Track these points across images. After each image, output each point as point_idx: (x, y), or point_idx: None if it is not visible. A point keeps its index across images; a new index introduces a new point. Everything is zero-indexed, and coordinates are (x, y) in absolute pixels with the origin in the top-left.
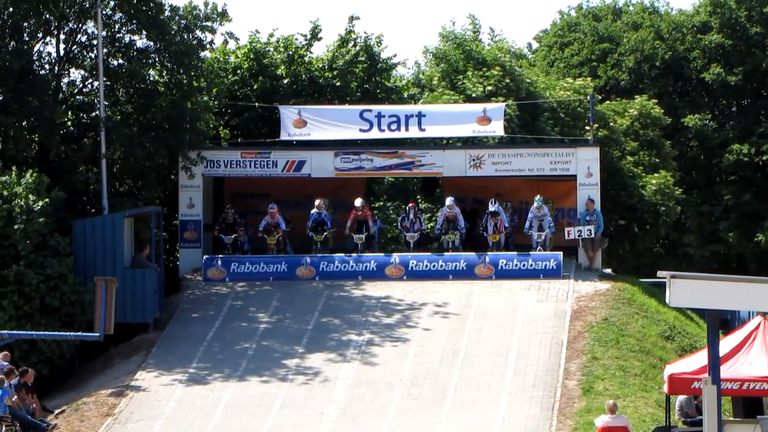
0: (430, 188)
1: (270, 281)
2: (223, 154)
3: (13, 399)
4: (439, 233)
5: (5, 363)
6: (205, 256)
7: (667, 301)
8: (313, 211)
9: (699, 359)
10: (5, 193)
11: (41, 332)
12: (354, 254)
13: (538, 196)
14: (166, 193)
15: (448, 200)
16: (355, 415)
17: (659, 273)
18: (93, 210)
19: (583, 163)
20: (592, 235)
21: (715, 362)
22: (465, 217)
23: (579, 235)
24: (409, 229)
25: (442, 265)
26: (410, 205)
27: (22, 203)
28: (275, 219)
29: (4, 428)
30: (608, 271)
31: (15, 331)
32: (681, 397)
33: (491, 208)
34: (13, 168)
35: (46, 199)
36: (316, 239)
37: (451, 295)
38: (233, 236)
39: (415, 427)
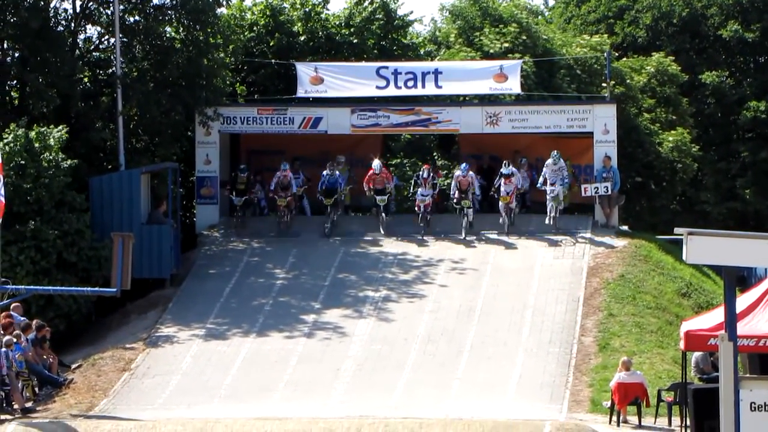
0: (446, 145)
1: (287, 237)
2: (239, 111)
3: (29, 354)
4: (453, 202)
5: (22, 318)
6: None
7: (683, 257)
8: (325, 172)
9: (715, 316)
10: (38, 145)
11: (58, 287)
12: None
13: (555, 152)
14: (183, 150)
15: (462, 167)
16: (371, 371)
17: (676, 230)
18: (110, 166)
19: (600, 120)
20: (609, 192)
21: (731, 319)
22: (481, 175)
23: (596, 192)
24: (425, 187)
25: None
26: (425, 166)
27: (51, 158)
28: (287, 179)
29: (21, 383)
30: (625, 228)
31: (32, 286)
32: (697, 354)
33: (504, 170)
34: (34, 126)
35: (75, 160)
36: (326, 203)
37: (468, 252)
38: (244, 198)
39: (432, 382)
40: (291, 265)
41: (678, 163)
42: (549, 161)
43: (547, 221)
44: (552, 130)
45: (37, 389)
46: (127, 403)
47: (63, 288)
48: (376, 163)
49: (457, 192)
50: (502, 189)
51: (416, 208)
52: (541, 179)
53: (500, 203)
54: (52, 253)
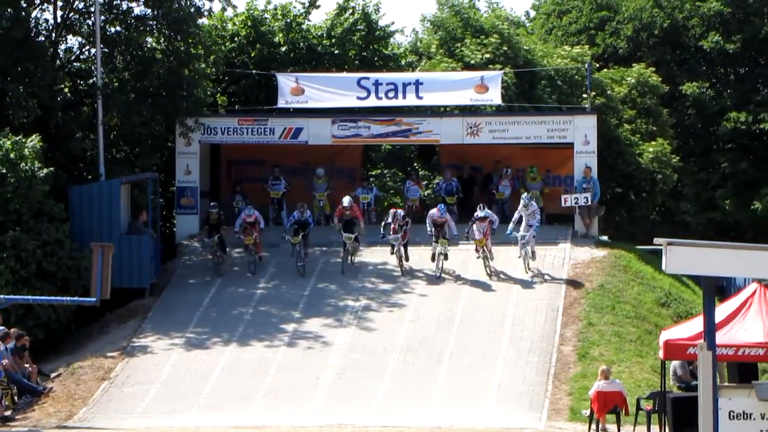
0: (427, 156)
1: (266, 248)
2: (220, 121)
3: (4, 363)
4: (430, 236)
5: (0, 327)
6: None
7: (663, 268)
8: (295, 213)
9: (694, 325)
10: (13, 155)
11: (37, 297)
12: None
13: (525, 194)
14: (163, 160)
15: (439, 207)
16: (351, 380)
17: (655, 240)
18: (90, 176)
19: (581, 131)
20: (589, 203)
21: (710, 328)
22: (461, 185)
23: (576, 203)
24: (397, 231)
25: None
26: (392, 210)
27: (27, 168)
28: (253, 218)
29: (0, 392)
30: (604, 238)
31: (11, 296)
32: (676, 363)
33: (479, 212)
34: (10, 135)
35: (51, 168)
36: (293, 241)
37: (448, 261)
38: (217, 236)
39: (411, 391)
40: (271, 275)
41: (658, 173)
42: (521, 205)
43: (525, 270)
44: (532, 140)
45: (16, 398)
46: (106, 412)
47: (42, 297)
48: (347, 199)
49: (432, 228)
50: (475, 230)
51: (390, 241)
52: (511, 225)
53: (475, 246)
54: (31, 262)
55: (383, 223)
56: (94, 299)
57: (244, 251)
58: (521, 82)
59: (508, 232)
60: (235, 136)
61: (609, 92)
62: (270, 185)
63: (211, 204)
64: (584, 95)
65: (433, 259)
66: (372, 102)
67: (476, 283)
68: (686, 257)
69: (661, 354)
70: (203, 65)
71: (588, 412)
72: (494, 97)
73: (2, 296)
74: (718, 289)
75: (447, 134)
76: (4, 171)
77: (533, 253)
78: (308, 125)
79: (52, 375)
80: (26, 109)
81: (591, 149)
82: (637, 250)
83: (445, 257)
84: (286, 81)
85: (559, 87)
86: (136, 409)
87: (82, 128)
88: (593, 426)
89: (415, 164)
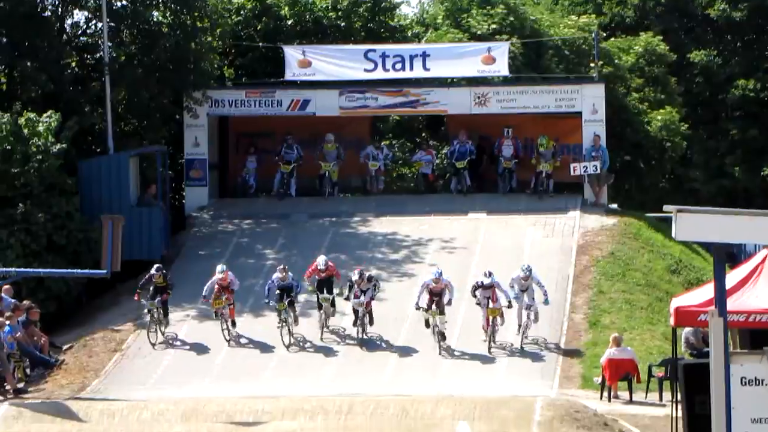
0: (435, 126)
1: (276, 219)
2: (227, 94)
3: (16, 336)
4: (417, 308)
5: (11, 300)
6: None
7: (673, 235)
8: (275, 276)
9: (705, 292)
10: (26, 131)
11: (48, 270)
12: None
13: (525, 265)
14: (172, 133)
15: (434, 273)
16: (362, 347)
17: (665, 207)
18: (99, 150)
19: (589, 100)
20: (598, 171)
21: (721, 295)
22: (471, 154)
23: (585, 171)
24: (358, 296)
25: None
26: (356, 269)
27: (40, 143)
28: (227, 281)
29: (12, 364)
30: (614, 206)
31: (22, 269)
32: (687, 330)
33: (484, 280)
34: (26, 112)
35: (64, 144)
36: (279, 308)
37: (458, 231)
38: (159, 299)
39: (422, 360)
40: (281, 245)
41: (667, 141)
42: (517, 275)
43: (517, 335)
44: (541, 110)
45: (28, 370)
46: (118, 384)
47: (53, 270)
48: (322, 258)
49: (426, 300)
50: (482, 299)
51: (354, 306)
52: (504, 300)
53: (487, 316)
54: (41, 235)
55: (348, 282)
56: (104, 271)
57: (215, 317)
58: (528, 53)
59: (514, 296)
60: (243, 109)
61: (616, 61)
62: (283, 153)
63: (156, 266)
64: (592, 64)
65: (427, 325)
66: (379, 74)
67: (486, 252)
68: (696, 224)
69: (672, 321)
70: (210, 39)
71: (600, 379)
72: (501, 67)
73: (13, 269)
74: (729, 255)
75: (455, 104)
76: (9, 147)
77: (536, 316)
78: (315, 97)
79: (64, 347)
80: (38, 84)
81: (599, 118)
82: (647, 218)
83: (443, 337)
84: (293, 53)
85: (567, 57)
86: (149, 381)
87: (91, 103)
88: (605, 393)
89: (423, 134)
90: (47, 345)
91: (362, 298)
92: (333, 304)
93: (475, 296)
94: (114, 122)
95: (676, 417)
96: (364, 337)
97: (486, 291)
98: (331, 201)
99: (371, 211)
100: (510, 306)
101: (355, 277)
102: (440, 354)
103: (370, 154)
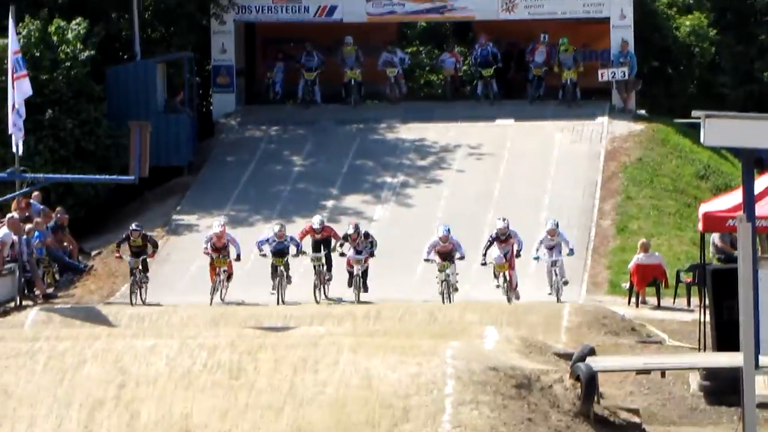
0: (462, 33)
1: (303, 125)
2: (254, 0)
3: (46, 241)
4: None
5: (40, 206)
6: None
7: (701, 140)
8: (270, 235)
9: (734, 197)
10: (55, 39)
11: (76, 175)
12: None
13: (552, 220)
14: (199, 39)
15: (443, 229)
16: (390, 255)
17: (693, 113)
18: (126, 57)
19: (616, 5)
20: (626, 77)
21: (749, 200)
22: (500, 60)
23: (613, 77)
24: (357, 245)
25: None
26: (351, 224)
27: (68, 50)
28: (224, 239)
29: (42, 270)
30: (642, 112)
31: (51, 175)
32: (715, 234)
33: (499, 224)
34: (54, 20)
35: (92, 51)
36: (275, 263)
37: (485, 138)
38: (141, 258)
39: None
40: (308, 152)
41: (695, 47)
42: (545, 231)
43: (549, 292)
44: (569, 15)
45: (57, 276)
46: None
47: (81, 176)
48: (317, 218)
49: (435, 257)
50: (495, 254)
51: (348, 267)
52: (534, 251)
53: (494, 271)
54: (70, 142)
55: (343, 235)
56: (132, 177)
57: (211, 278)
58: None
59: (535, 255)
60: (270, 15)
61: None
62: (304, 60)
63: (134, 225)
64: None
65: (443, 297)
66: None
67: (514, 158)
68: (725, 129)
69: (700, 226)
70: None
71: (627, 285)
72: None
73: (41, 175)
74: (757, 161)
75: (482, 10)
76: (39, 54)
77: (565, 281)
78: (342, 3)
79: (93, 253)
80: None
81: (627, 23)
82: (675, 124)
83: (454, 289)
84: None
85: None
86: (177, 286)
87: (117, 9)
88: (633, 299)
89: (450, 41)
90: (76, 251)
91: (361, 255)
92: (329, 266)
93: (484, 256)
94: (141, 29)
95: (704, 322)
96: (360, 293)
97: (503, 245)
98: (358, 108)
99: (398, 118)
100: (519, 255)
101: (350, 230)
102: (449, 298)
103: (385, 59)
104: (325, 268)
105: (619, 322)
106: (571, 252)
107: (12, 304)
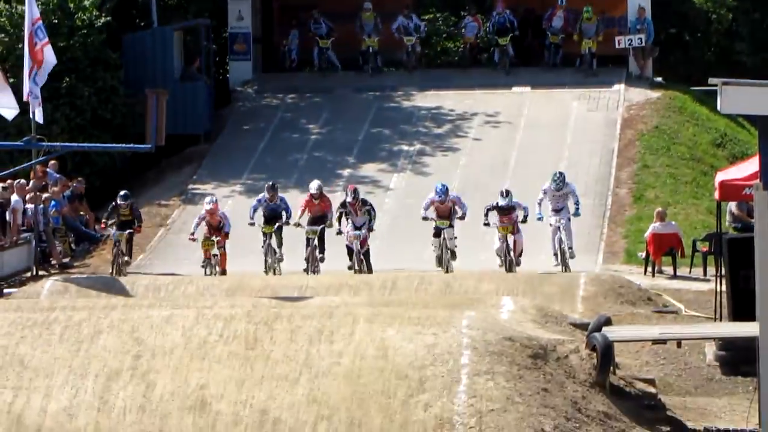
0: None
1: (320, 93)
2: None
3: (63, 210)
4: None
5: (57, 174)
6: None
7: (718, 108)
8: (261, 196)
9: (750, 166)
10: (72, 5)
11: (93, 144)
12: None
13: (557, 173)
14: (216, 6)
15: (438, 189)
16: (406, 225)
17: (711, 80)
18: (143, 24)
19: None
20: (643, 44)
21: (766, 168)
22: (517, 27)
23: (629, 44)
24: (357, 214)
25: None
26: (349, 187)
27: (85, 17)
28: (217, 216)
29: (58, 239)
30: (659, 79)
31: (67, 143)
32: (732, 203)
33: (501, 201)
34: None
35: (108, 17)
36: (265, 230)
37: (502, 105)
38: (128, 232)
39: (467, 234)
40: (324, 120)
41: (712, 13)
42: (547, 185)
43: (555, 263)
44: None
45: (73, 245)
46: (163, 259)
47: (98, 144)
48: (315, 183)
49: (432, 215)
50: (497, 220)
51: (347, 243)
52: (536, 209)
53: (498, 235)
54: (86, 110)
55: (341, 202)
56: (149, 146)
57: (203, 262)
58: None
59: (538, 214)
60: None
61: None
62: (312, 28)
63: (122, 194)
64: None
65: (439, 263)
66: None
67: (530, 126)
68: (742, 97)
69: (716, 195)
70: None
71: (644, 254)
72: None
73: (58, 144)
74: None
75: None
76: (56, 21)
77: (570, 249)
78: None
79: (110, 222)
80: None
81: None
82: (692, 91)
83: (453, 255)
84: None
85: None
86: (194, 255)
87: None
88: (649, 268)
89: (467, 7)
90: (93, 220)
91: (362, 230)
92: (322, 248)
93: (486, 217)
94: None
95: (720, 292)
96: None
97: (505, 217)
98: (375, 75)
99: (415, 85)
100: (525, 221)
101: (348, 197)
102: (447, 270)
103: (401, 26)
104: (317, 242)
105: (635, 291)
106: (577, 211)
107: (28, 274)
